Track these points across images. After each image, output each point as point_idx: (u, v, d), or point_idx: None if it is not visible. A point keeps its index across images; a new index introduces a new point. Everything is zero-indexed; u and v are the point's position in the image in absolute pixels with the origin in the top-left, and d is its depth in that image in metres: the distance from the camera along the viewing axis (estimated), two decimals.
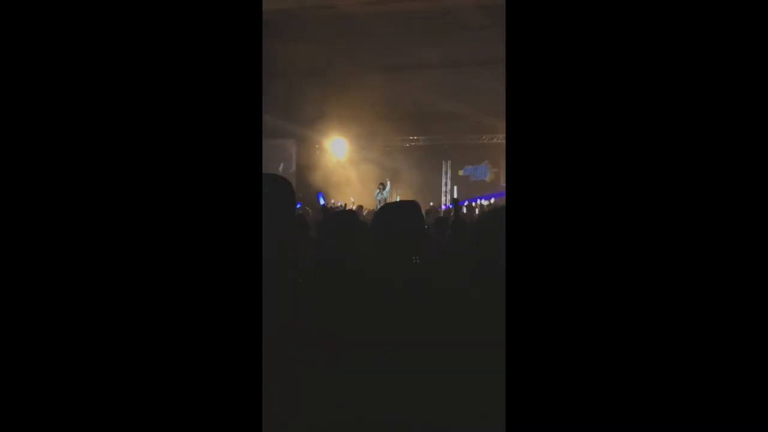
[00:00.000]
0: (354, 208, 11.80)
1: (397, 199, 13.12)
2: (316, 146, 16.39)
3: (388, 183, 14.22)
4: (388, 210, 2.01)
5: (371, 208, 12.20)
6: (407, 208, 1.99)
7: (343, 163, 16.06)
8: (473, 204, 13.14)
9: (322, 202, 9.38)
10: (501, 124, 14.97)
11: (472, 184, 16.27)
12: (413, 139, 16.27)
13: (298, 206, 9.68)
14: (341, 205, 13.53)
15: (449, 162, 16.51)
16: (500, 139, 15.34)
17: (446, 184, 16.51)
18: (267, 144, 16.80)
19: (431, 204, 13.55)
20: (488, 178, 16.23)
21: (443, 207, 13.79)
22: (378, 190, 14.08)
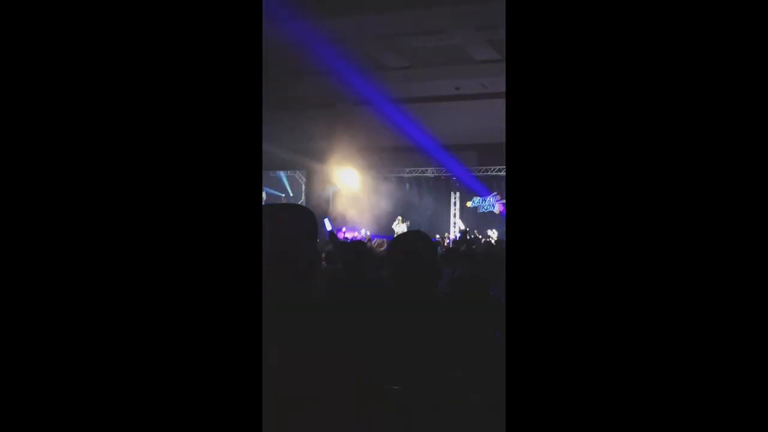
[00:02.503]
0: (365, 239, 11.82)
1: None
2: (325, 178, 16.46)
3: (402, 218, 14.31)
4: (404, 238, 2.05)
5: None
6: (421, 237, 2.03)
7: (352, 194, 16.11)
8: (480, 236, 13.11)
9: (329, 227, 9.24)
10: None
11: (480, 215, 16.26)
12: (422, 170, 16.33)
13: None
14: (354, 237, 13.55)
15: (458, 193, 16.53)
16: None
17: (455, 215, 16.50)
18: (276, 176, 16.92)
19: (437, 236, 13.56)
20: (496, 209, 16.22)
21: (451, 238, 13.76)
22: (396, 222, 14.13)
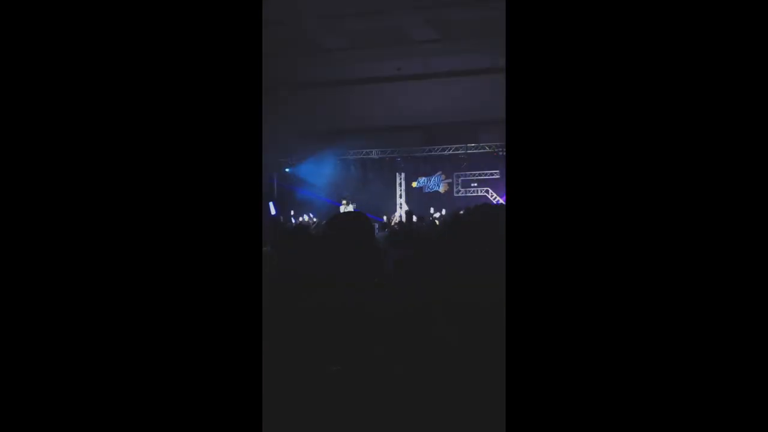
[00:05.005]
0: (313, 223, 11.76)
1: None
2: (268, 163, 16.29)
3: (348, 200, 14.29)
4: (339, 219, 2.05)
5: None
6: (356, 217, 2.03)
7: (296, 179, 15.99)
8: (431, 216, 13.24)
9: (273, 211, 9.15)
10: (452, 135, 15.17)
11: (425, 195, 16.38)
12: (366, 152, 16.32)
13: None
14: (301, 221, 13.47)
15: (402, 174, 16.60)
16: (452, 150, 15.53)
17: (401, 196, 16.58)
18: None
19: (384, 218, 13.60)
20: (441, 188, 16.37)
21: (396, 220, 13.84)
22: (343, 205, 14.10)
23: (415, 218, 11.13)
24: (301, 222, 13.42)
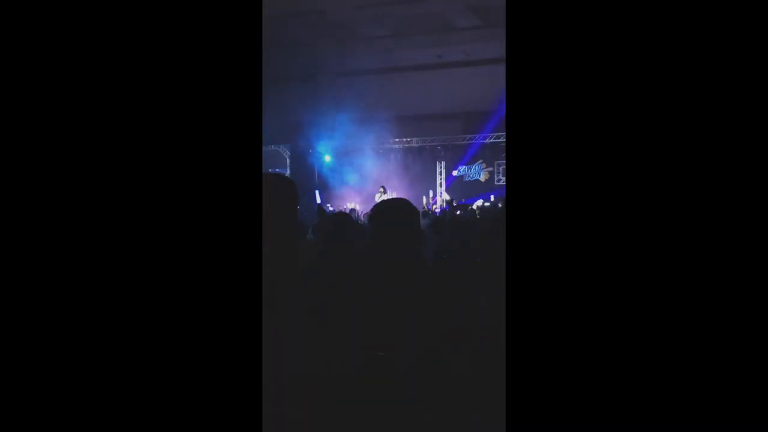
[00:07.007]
0: (349, 210, 11.81)
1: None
2: (310, 151, 16.40)
3: (385, 189, 14.29)
4: (383, 206, 2.04)
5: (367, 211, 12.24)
6: (400, 204, 2.02)
7: (337, 167, 16.06)
8: (469, 205, 13.14)
9: (318, 200, 9.24)
10: (492, 123, 15.02)
11: (466, 184, 16.27)
12: (406, 140, 16.27)
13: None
14: (335, 209, 13.54)
15: (443, 162, 16.51)
16: (493, 138, 15.38)
17: (441, 185, 16.50)
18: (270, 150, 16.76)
19: (425, 206, 13.56)
20: (482, 177, 16.23)
21: (439, 208, 13.78)
22: (379, 193, 14.11)
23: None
24: (341, 209, 13.49)
